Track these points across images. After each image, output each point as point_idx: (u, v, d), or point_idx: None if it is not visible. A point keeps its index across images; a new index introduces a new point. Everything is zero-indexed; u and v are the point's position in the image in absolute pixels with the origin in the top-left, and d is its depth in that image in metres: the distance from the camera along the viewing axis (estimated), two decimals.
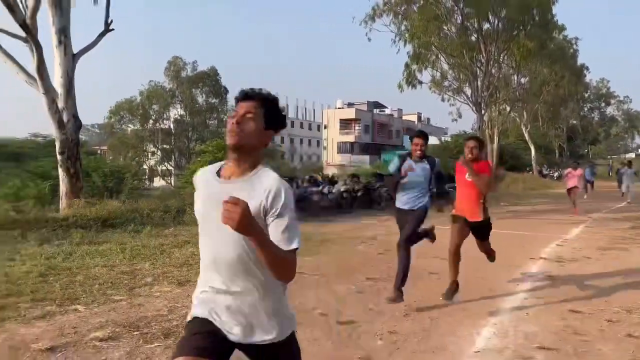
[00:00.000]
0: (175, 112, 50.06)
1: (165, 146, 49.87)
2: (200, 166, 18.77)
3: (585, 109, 61.13)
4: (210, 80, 50.83)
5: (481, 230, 5.34)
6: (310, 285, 5.70)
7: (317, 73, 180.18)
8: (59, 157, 11.09)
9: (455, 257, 5.22)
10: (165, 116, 49.64)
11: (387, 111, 76.46)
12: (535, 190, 26.94)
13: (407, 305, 4.90)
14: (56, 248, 7.60)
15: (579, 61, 40.16)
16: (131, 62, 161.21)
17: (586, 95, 55.07)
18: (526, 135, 37.85)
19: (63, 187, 11.16)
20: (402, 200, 5.13)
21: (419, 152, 5.04)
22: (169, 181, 46.90)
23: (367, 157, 60.99)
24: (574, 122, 56.41)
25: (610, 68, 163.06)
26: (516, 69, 29.03)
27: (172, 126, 49.85)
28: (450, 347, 3.82)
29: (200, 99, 51.16)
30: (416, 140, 5.10)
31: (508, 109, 31.53)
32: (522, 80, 31.67)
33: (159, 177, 47.41)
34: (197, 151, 37.53)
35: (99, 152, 39.51)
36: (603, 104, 66.26)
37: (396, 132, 76.36)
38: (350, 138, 68.67)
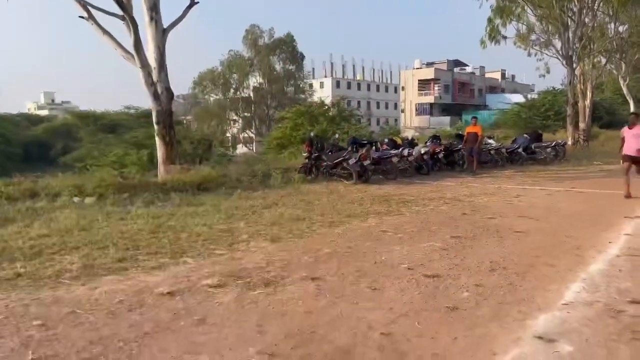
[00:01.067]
0: (254, 80, 51.38)
1: (246, 114, 51.58)
2: (280, 133, 19.52)
3: None
4: (287, 46, 51.38)
5: None
6: (394, 242, 5.92)
7: (393, 33, 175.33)
8: (155, 126, 11.97)
9: None
10: (245, 85, 51.14)
11: (469, 69, 73.34)
12: None
13: (492, 262, 4.99)
14: (160, 209, 8.37)
15: None
16: (211, 32, 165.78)
17: None
18: (624, 88, 34.76)
19: (160, 155, 12.07)
20: None
21: None
22: (251, 148, 48.67)
23: (447, 119, 59.30)
24: None
25: None
26: (613, 17, 26.54)
27: (251, 94, 51.33)
28: (538, 300, 3.90)
29: (278, 66, 52.03)
30: None
31: (603, 61, 29.08)
32: (620, 28, 28.92)
33: (241, 144, 49.31)
34: (276, 118, 38.49)
35: (184, 121, 41.72)
36: None
37: (478, 90, 73.29)
38: (429, 99, 66.89)
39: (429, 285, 4.31)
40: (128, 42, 11.50)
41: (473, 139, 15.22)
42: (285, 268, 4.87)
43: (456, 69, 71.22)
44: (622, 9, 23.79)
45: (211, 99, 51.59)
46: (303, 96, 50.58)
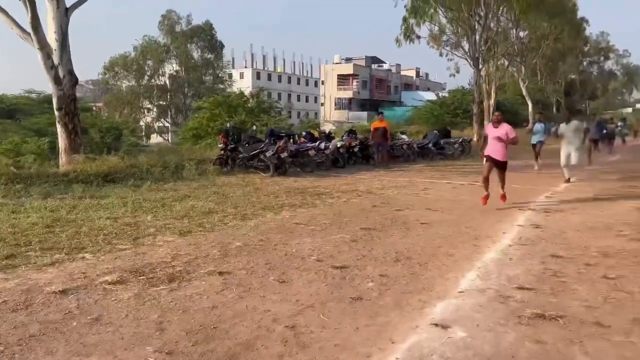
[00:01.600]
0: (171, 67, 49.38)
1: (161, 103, 49.48)
2: (197, 123, 18.90)
3: (585, 63, 60.41)
4: (206, 34, 49.90)
5: None
6: (306, 235, 5.96)
7: (313, 27, 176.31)
8: (56, 113, 11.15)
9: None
10: (160, 72, 48.99)
11: (386, 66, 75.47)
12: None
13: (398, 252, 5.17)
14: (59, 202, 7.82)
15: (579, 14, 39.43)
16: (124, 16, 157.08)
17: (585, 49, 54.28)
18: (524, 90, 37.62)
19: (62, 143, 11.27)
20: None
21: None
22: (166, 138, 46.87)
23: (364, 114, 60.76)
24: (573, 76, 55.92)
25: (610, 21, 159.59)
26: (515, 23, 28.61)
27: (167, 82, 49.29)
28: (437, 288, 4.09)
29: (196, 54, 50.38)
30: None
31: (506, 63, 31.24)
32: (521, 34, 31.23)
33: (155, 134, 47.30)
34: (193, 107, 37.33)
35: (94, 108, 39.26)
36: (602, 58, 65.27)
37: (394, 87, 75.71)
38: (348, 94, 68.09)
39: (336, 277, 4.37)
40: (26, 21, 10.59)
41: (380, 134, 15.68)
42: (191, 262, 4.73)
43: (374, 66, 73.05)
44: (523, 17, 25.63)
45: (123, 85, 48.88)
46: (222, 86, 49.29)
